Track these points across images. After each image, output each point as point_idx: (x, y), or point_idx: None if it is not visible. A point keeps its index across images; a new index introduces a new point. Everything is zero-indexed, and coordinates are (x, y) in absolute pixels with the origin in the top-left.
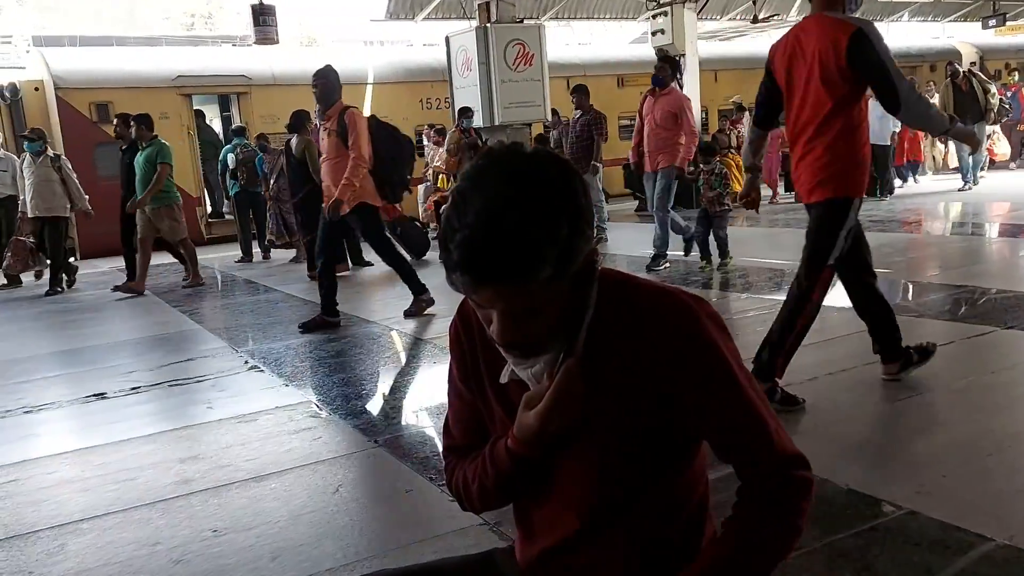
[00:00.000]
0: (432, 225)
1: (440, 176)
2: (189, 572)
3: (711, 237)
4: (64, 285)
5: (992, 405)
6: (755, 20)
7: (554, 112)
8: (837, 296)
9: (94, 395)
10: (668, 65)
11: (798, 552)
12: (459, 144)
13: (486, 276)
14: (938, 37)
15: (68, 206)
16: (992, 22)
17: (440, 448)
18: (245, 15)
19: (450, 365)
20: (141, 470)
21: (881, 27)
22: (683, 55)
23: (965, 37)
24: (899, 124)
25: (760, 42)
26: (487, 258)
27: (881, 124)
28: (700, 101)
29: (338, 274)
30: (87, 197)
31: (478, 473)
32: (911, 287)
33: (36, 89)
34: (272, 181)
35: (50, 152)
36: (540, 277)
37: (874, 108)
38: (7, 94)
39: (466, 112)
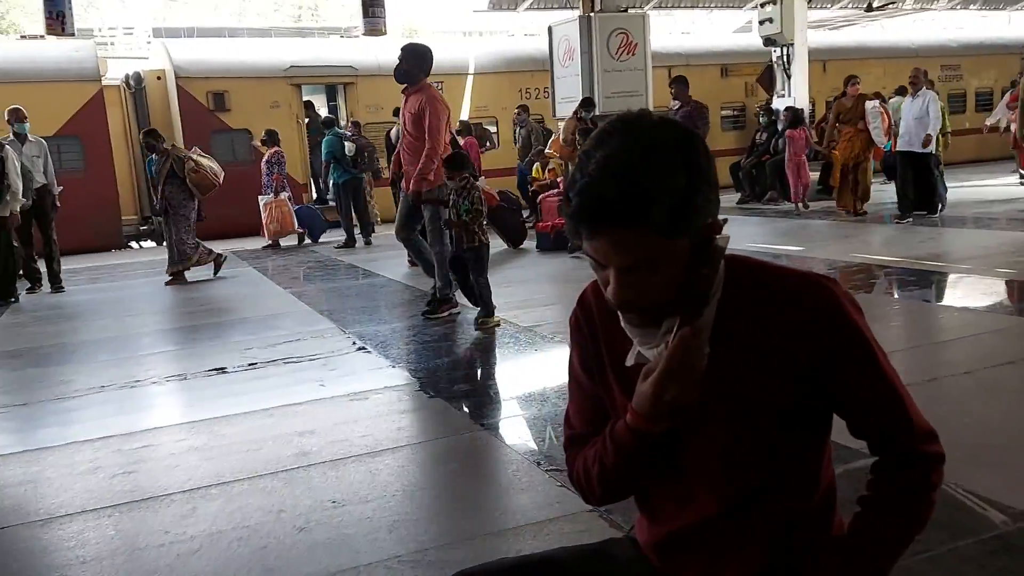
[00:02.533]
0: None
1: (535, 165)
2: (312, 539)
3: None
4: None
5: None
6: (869, 8)
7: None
8: (958, 296)
9: (215, 369)
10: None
11: (923, 554)
12: (575, 133)
13: (600, 219)
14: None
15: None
16: None
17: (546, 434)
18: (350, 6)
19: (570, 355)
20: (263, 442)
21: (1002, 16)
22: (791, 44)
23: None
24: (937, 126)
25: (871, 32)
26: (601, 200)
27: (917, 126)
28: (808, 93)
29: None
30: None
31: (599, 455)
32: None
33: (158, 78)
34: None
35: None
36: (652, 221)
37: (909, 109)
38: (132, 83)
39: (588, 103)
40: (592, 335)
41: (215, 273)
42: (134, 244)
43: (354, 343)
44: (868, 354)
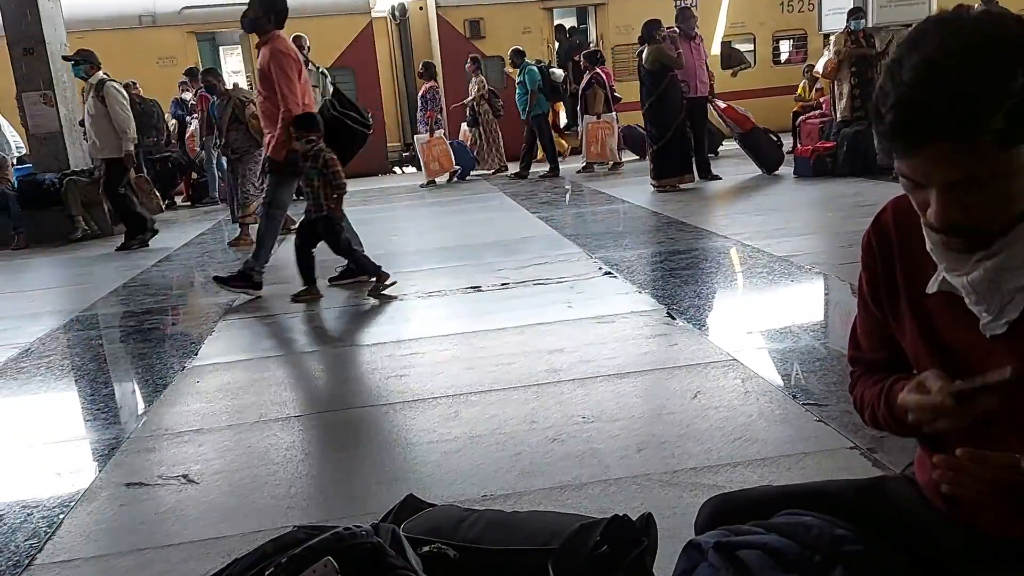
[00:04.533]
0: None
1: (802, 84)
2: (564, 450)
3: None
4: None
5: None
6: None
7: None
8: None
9: (472, 287)
10: None
11: None
12: (845, 47)
13: (924, 134)
14: None
15: None
16: None
17: (801, 368)
18: None
19: (860, 277)
20: (515, 356)
21: None
22: None
23: None
24: None
25: None
26: (926, 110)
27: None
28: None
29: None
30: None
31: (873, 404)
32: None
33: (421, 8)
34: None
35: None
36: (989, 129)
37: None
38: (397, 14)
39: (856, 13)
40: (886, 260)
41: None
42: (397, 170)
43: (600, 268)
44: None
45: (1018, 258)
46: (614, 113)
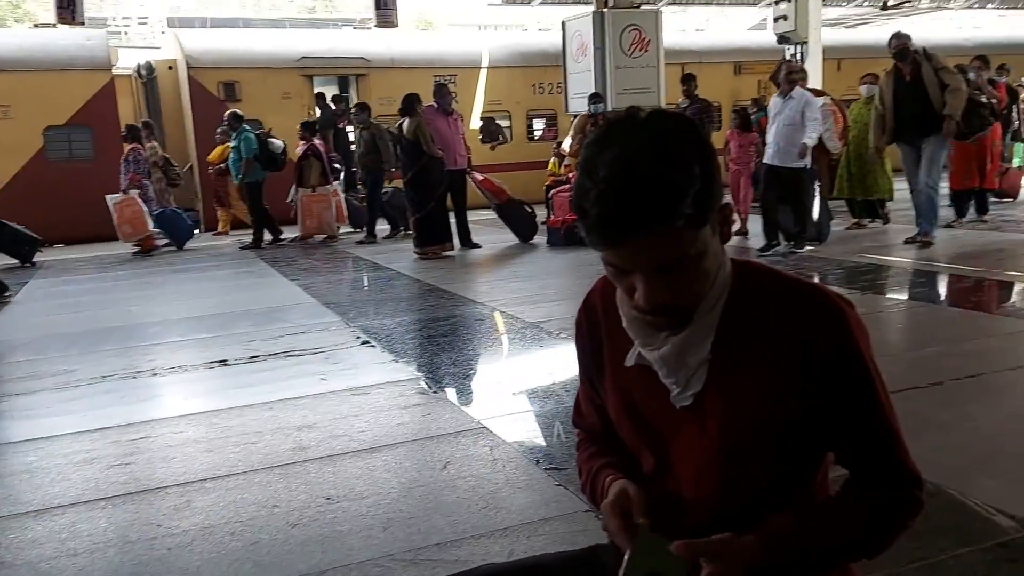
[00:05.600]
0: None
1: (552, 160)
2: (306, 535)
3: None
4: None
5: None
6: (885, 7)
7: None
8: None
9: (217, 361)
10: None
11: (925, 562)
12: (585, 129)
13: (629, 224)
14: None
15: None
16: None
17: (552, 431)
18: None
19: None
20: (261, 435)
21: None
22: (805, 42)
23: None
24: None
25: (886, 31)
26: (628, 204)
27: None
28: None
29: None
30: None
31: (583, 482)
32: None
33: (170, 68)
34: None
35: None
36: (683, 215)
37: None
38: (143, 72)
39: (597, 98)
40: (594, 336)
41: None
42: None
43: (358, 337)
44: (867, 386)
45: (700, 333)
46: (330, 185)
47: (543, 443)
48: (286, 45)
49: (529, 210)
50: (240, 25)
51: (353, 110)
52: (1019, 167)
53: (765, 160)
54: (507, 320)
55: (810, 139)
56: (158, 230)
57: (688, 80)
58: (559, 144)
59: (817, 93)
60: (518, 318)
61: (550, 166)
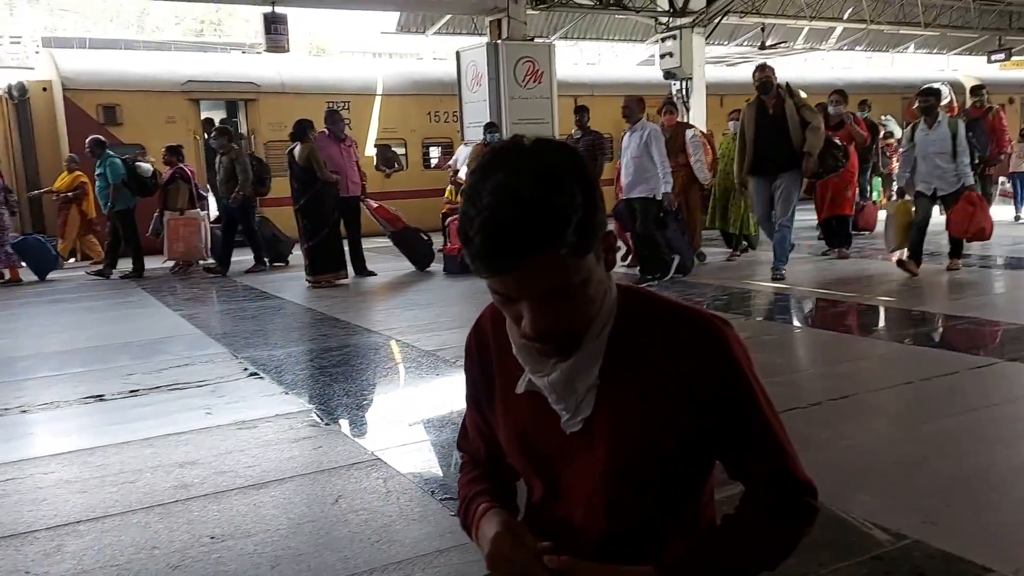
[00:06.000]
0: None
1: (449, 188)
2: None
3: None
4: None
5: (996, 437)
6: (763, 47)
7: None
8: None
9: (93, 396)
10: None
11: None
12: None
13: (513, 251)
14: (943, 70)
15: None
16: (998, 56)
17: (440, 462)
18: (254, 22)
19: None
20: (140, 473)
21: (886, 57)
22: (690, 78)
23: (969, 71)
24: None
25: None
26: (512, 231)
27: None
28: (706, 125)
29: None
30: None
31: (460, 508)
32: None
33: (44, 89)
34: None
35: None
36: (566, 242)
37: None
38: (15, 93)
39: (492, 127)
40: (484, 362)
41: None
42: None
43: (246, 368)
44: (751, 401)
45: (588, 359)
46: (198, 210)
47: (439, 473)
48: (171, 68)
49: (425, 237)
50: (122, 47)
51: (212, 134)
52: (874, 203)
53: (621, 196)
54: (402, 349)
55: (666, 185)
56: (16, 257)
57: (581, 112)
58: (455, 172)
59: (686, 126)
60: (414, 346)
61: (447, 194)
